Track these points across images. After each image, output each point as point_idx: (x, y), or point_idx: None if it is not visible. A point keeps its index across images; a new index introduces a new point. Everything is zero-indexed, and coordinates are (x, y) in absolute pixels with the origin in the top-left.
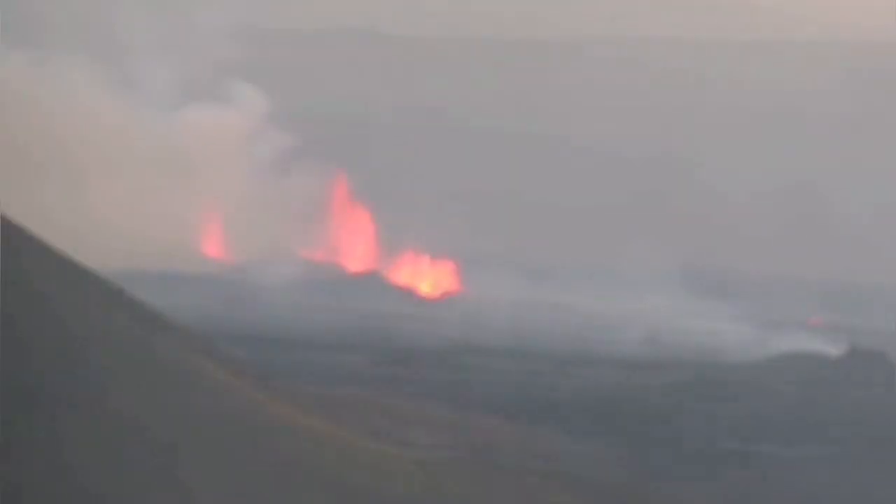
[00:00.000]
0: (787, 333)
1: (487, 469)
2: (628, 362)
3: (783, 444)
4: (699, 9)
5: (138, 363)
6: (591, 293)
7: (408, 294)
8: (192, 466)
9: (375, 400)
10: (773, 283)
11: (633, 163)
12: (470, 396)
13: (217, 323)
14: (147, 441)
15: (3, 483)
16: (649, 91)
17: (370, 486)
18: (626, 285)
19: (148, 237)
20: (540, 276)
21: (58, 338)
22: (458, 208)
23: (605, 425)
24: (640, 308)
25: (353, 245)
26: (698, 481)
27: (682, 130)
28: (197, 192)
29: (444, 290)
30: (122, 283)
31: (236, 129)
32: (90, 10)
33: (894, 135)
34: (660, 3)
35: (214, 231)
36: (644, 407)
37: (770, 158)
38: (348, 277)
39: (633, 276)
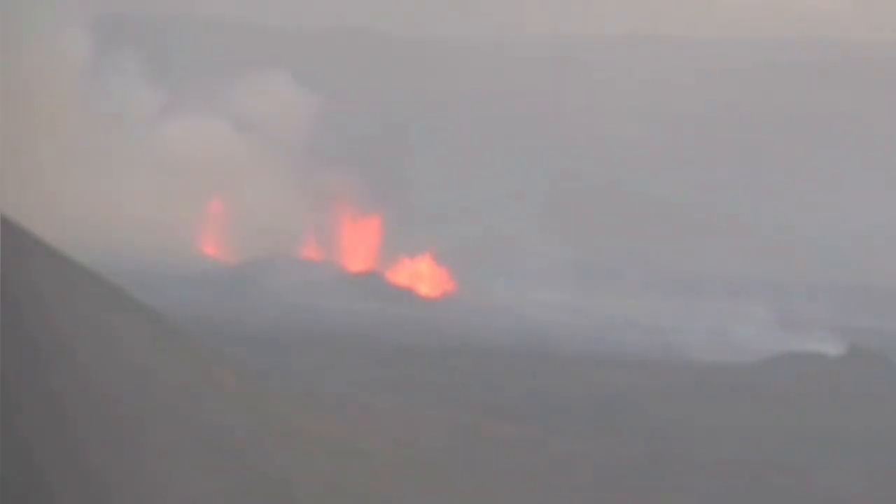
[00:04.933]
0: (788, 333)
1: (487, 470)
2: (628, 362)
3: (783, 445)
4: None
5: (138, 363)
6: (592, 292)
7: (408, 294)
8: (191, 466)
9: (376, 400)
10: (772, 283)
11: (636, 162)
12: (470, 396)
13: (217, 323)
14: (147, 441)
15: (4, 482)
16: (658, 91)
17: (370, 485)
18: (626, 285)
19: (148, 237)
20: (540, 276)
21: (58, 338)
22: (459, 208)
23: (604, 426)
24: (639, 308)
25: (353, 245)
26: (698, 482)
27: (681, 132)
28: (197, 191)
29: (444, 290)
30: (122, 282)
31: (234, 127)
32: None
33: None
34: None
35: (215, 230)
36: (644, 407)
37: (765, 158)
38: (348, 277)
39: (632, 276)
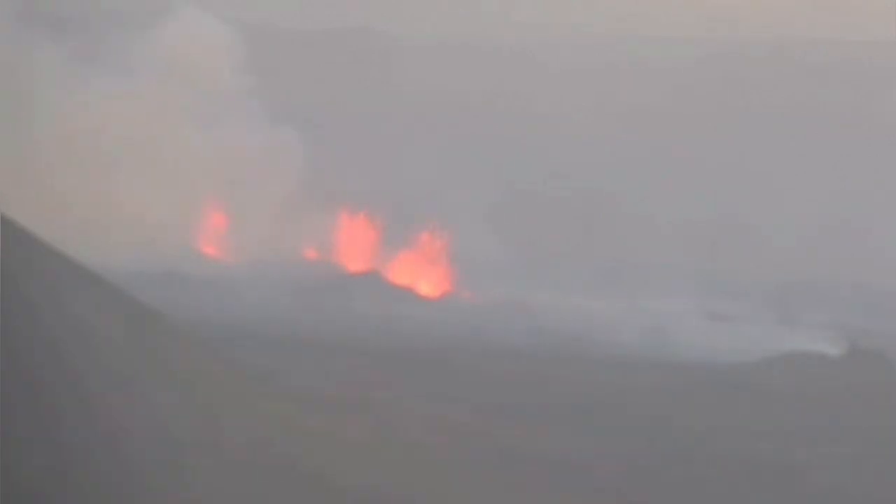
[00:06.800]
0: (788, 333)
1: (488, 469)
2: (628, 362)
3: (783, 445)
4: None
5: (138, 363)
6: (592, 292)
7: (408, 294)
8: (191, 466)
9: (375, 400)
10: (772, 282)
11: (638, 159)
12: (470, 396)
13: (217, 323)
14: (146, 441)
15: (4, 482)
16: (669, 91)
17: (370, 485)
18: (626, 284)
19: (148, 237)
20: (540, 275)
21: (58, 338)
22: (459, 207)
23: (604, 426)
24: (639, 307)
25: (353, 245)
26: (698, 482)
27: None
28: (197, 192)
29: (444, 290)
30: (122, 283)
31: (234, 127)
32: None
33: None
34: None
35: (215, 230)
36: (644, 407)
37: (769, 156)
38: (348, 277)
39: (632, 275)
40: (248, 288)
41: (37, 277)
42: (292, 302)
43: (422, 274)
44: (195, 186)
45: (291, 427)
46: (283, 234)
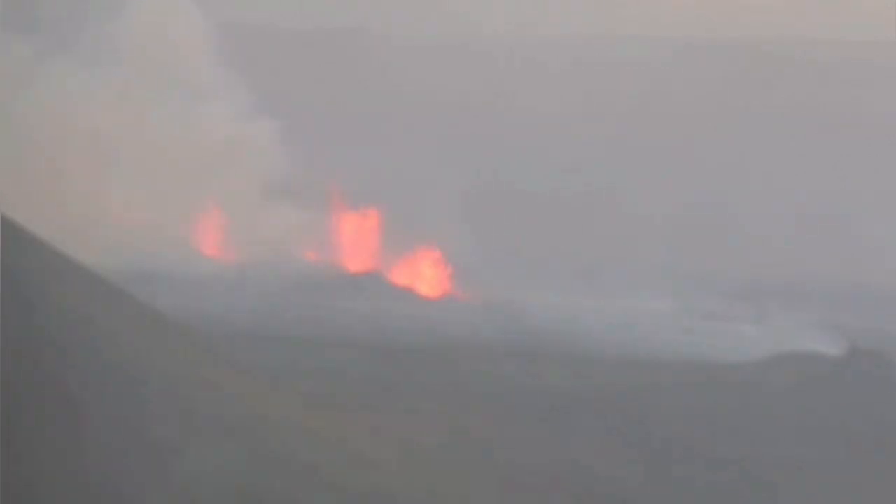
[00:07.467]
0: (786, 333)
1: (487, 470)
2: (627, 362)
3: (782, 445)
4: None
5: (138, 363)
6: (590, 292)
7: (408, 294)
8: (191, 466)
9: (375, 400)
10: (772, 282)
11: (638, 159)
12: (470, 396)
13: (217, 322)
14: (147, 441)
15: (4, 482)
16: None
17: (370, 486)
18: (626, 284)
19: (147, 236)
20: (540, 275)
21: (58, 338)
22: (459, 207)
23: (604, 426)
24: (639, 307)
25: (353, 245)
26: (697, 482)
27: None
28: (197, 190)
29: (444, 290)
30: (123, 283)
31: (233, 128)
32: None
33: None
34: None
35: (215, 230)
36: (643, 407)
37: (773, 155)
38: (348, 277)
39: (632, 275)
40: (247, 287)
41: (37, 277)
42: (292, 302)
43: (421, 274)
44: (195, 186)
45: (291, 427)
46: (282, 234)
